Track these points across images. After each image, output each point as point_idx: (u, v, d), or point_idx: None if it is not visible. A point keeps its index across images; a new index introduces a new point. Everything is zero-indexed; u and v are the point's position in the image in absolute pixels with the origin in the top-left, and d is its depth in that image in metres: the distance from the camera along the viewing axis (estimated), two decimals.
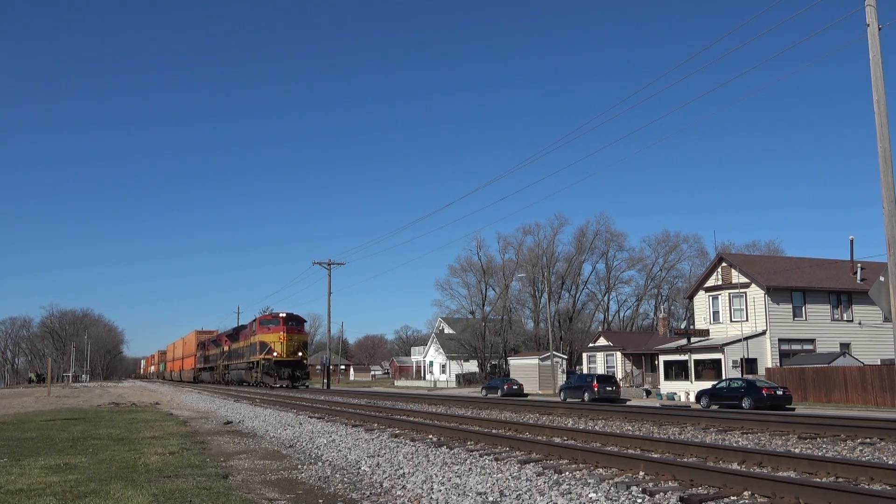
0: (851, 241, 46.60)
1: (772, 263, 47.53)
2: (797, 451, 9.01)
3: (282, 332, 48.12)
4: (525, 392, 46.22)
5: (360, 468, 9.02)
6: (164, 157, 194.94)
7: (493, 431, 11.82)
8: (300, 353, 49.14)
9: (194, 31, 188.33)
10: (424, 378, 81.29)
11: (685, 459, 8.18)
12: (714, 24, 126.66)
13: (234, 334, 59.30)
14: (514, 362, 56.68)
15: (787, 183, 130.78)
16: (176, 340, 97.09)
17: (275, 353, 46.80)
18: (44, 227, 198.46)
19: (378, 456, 9.79)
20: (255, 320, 50.97)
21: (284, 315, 49.57)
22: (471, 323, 73.47)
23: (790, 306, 42.31)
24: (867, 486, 6.42)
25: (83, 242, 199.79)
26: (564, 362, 58.83)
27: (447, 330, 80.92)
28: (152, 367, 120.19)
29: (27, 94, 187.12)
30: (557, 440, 10.36)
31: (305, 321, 51.44)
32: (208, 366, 69.42)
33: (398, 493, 7.34)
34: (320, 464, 9.63)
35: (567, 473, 7.64)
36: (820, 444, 9.72)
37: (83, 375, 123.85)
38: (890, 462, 8.00)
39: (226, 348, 61.73)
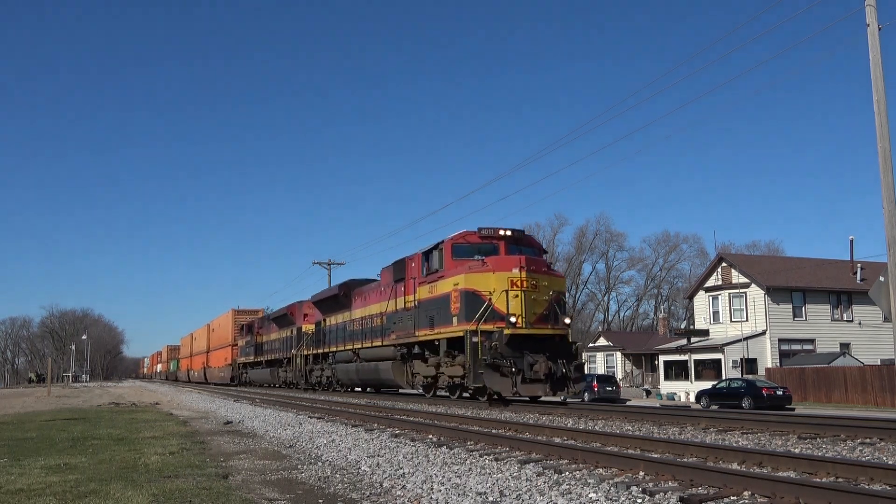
0: (851, 241, 46.71)
1: (772, 263, 47.59)
2: (797, 451, 9.02)
3: (518, 269, 19.13)
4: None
5: (360, 468, 9.03)
6: (164, 156, 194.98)
7: (493, 431, 11.82)
8: (567, 320, 19.98)
9: (194, 30, 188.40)
10: None
11: (685, 459, 8.17)
12: (714, 25, 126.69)
13: (340, 298, 30.02)
14: None
15: (787, 183, 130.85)
16: (196, 329, 71.29)
17: (512, 319, 18.63)
18: (44, 227, 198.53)
19: (378, 456, 9.80)
20: (435, 247, 21.44)
21: (510, 233, 20.74)
22: None
23: (790, 306, 42.37)
24: (867, 486, 6.42)
25: (83, 242, 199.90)
26: None
27: None
28: (159, 366, 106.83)
29: (26, 93, 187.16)
30: (557, 440, 10.36)
31: (547, 251, 23.67)
32: (262, 359, 44.07)
33: (398, 493, 7.34)
34: (320, 464, 9.64)
35: (567, 473, 7.64)
36: (820, 444, 9.72)
37: (83, 375, 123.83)
38: (890, 462, 8.00)
39: (306, 328, 35.15)
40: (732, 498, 6.17)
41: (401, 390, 27.96)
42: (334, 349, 30.71)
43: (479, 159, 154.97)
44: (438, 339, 20.66)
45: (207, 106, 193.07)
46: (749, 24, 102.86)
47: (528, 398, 19.44)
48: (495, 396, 19.37)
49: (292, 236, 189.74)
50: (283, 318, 40.00)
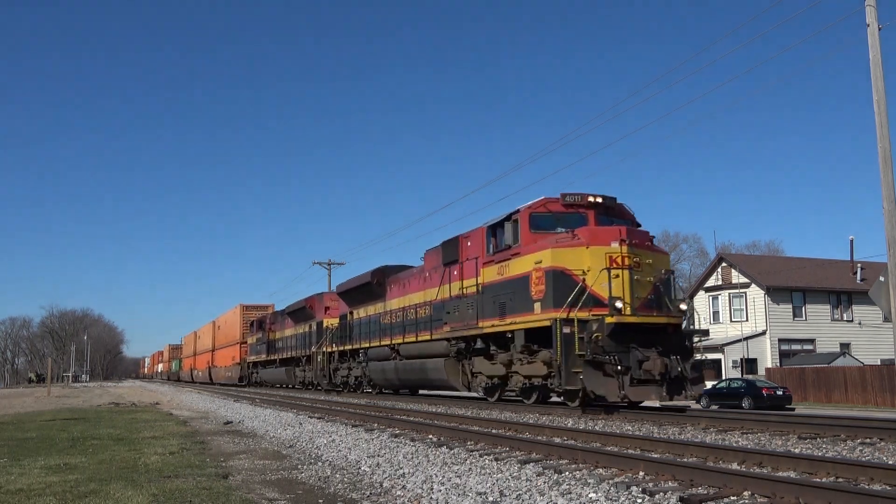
0: (851, 241, 46.77)
1: (772, 263, 47.60)
2: (797, 451, 9.01)
3: (618, 243, 15.40)
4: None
5: (360, 468, 9.03)
6: (164, 156, 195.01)
7: (493, 431, 11.82)
8: (682, 305, 16.65)
9: (198, 27, 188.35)
10: None
11: (685, 459, 8.17)
12: (714, 25, 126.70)
13: (373, 286, 26.35)
14: None
15: (788, 183, 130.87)
16: (200, 327, 68.48)
17: (618, 304, 14.85)
18: (44, 227, 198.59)
19: (378, 456, 9.80)
20: (507, 218, 17.43)
21: (600, 199, 16.95)
22: None
23: (790, 306, 42.38)
24: (867, 486, 6.42)
25: (83, 242, 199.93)
26: None
27: None
28: (160, 366, 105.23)
29: (26, 91, 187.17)
30: (557, 440, 10.36)
31: (640, 225, 17.72)
32: (275, 357, 40.97)
33: (398, 493, 7.34)
34: (320, 464, 9.64)
35: (567, 473, 7.64)
36: (820, 444, 9.71)
37: (83, 375, 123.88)
38: (890, 462, 8.00)
39: (328, 322, 32.17)
40: (732, 498, 6.17)
41: (450, 393, 23.80)
42: (366, 345, 26.71)
43: (479, 160, 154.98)
44: (512, 331, 16.87)
45: (208, 112, 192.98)
46: (749, 23, 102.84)
47: (627, 403, 15.26)
48: (622, 398, 14.78)
49: (292, 237, 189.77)
50: (301, 312, 36.49)
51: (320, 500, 7.17)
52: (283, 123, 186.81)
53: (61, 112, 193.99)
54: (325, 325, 32.47)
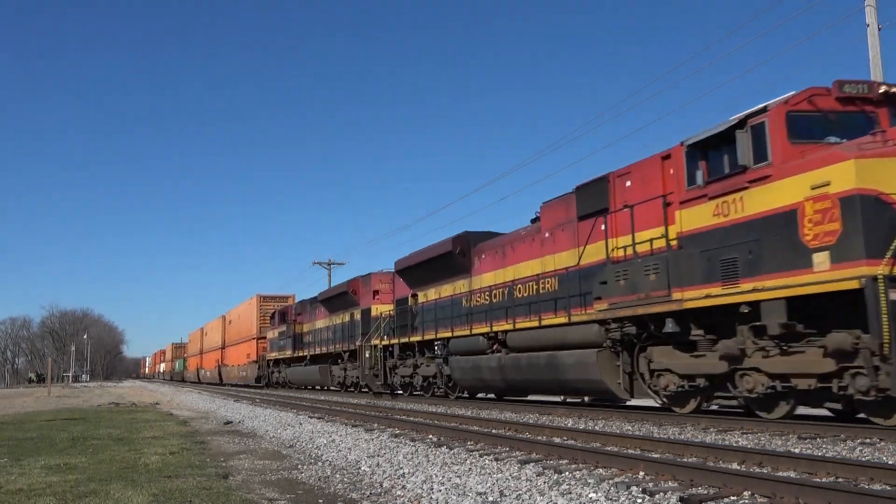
0: None
1: None
2: (797, 451, 9.01)
3: None
4: None
5: (359, 468, 9.03)
6: (164, 156, 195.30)
7: (493, 431, 11.84)
8: None
9: (202, 29, 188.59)
10: None
11: (685, 459, 8.18)
12: (713, 25, 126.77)
13: (454, 257, 20.52)
14: None
15: None
16: (208, 322, 63.09)
17: None
18: (44, 227, 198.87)
19: (378, 456, 9.80)
20: (739, 125, 11.10)
21: (895, 89, 10.93)
22: None
23: None
24: (867, 486, 6.42)
25: (83, 242, 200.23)
26: None
27: None
28: (162, 366, 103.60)
29: (26, 91, 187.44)
30: (557, 440, 10.37)
31: None
32: (305, 354, 35.35)
33: (398, 493, 7.34)
34: (320, 464, 9.64)
35: (567, 473, 7.64)
36: (820, 444, 9.71)
37: (83, 375, 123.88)
38: (890, 462, 8.00)
39: (377, 310, 27.49)
40: (732, 498, 6.17)
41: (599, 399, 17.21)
42: (443, 335, 20.84)
43: (480, 160, 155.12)
44: (755, 302, 10.82)
45: (209, 112, 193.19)
46: (749, 24, 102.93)
47: None
48: None
49: (293, 237, 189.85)
50: (339, 299, 30.84)
51: (320, 500, 7.17)
52: (282, 123, 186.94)
53: (60, 110, 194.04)
54: (373, 312, 27.35)
